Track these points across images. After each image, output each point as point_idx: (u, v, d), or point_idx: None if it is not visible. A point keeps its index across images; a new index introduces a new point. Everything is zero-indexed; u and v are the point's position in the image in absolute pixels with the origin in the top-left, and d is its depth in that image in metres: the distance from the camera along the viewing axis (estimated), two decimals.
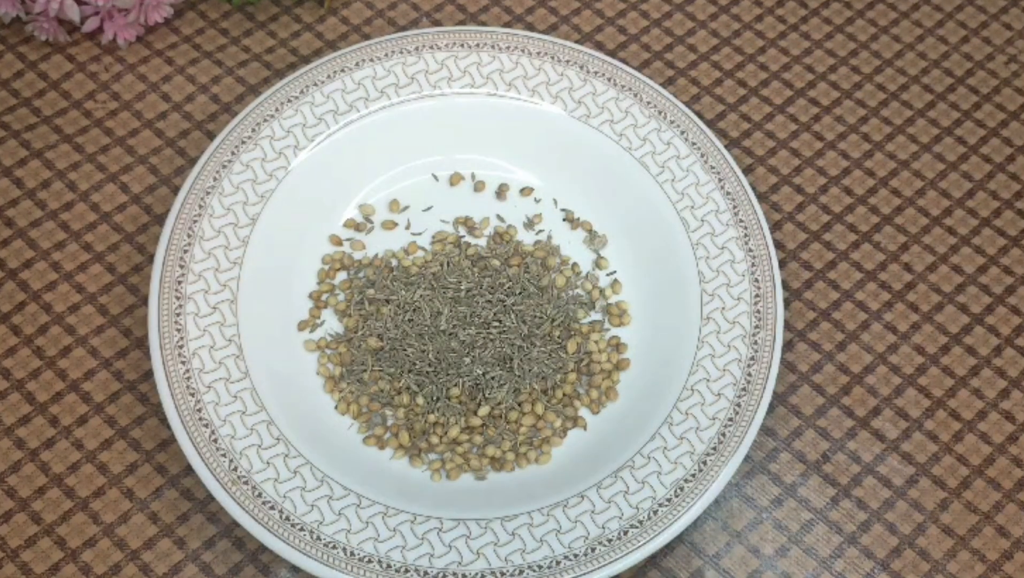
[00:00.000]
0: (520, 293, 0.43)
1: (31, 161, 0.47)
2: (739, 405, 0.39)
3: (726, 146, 0.48)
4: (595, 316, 0.44)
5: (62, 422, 0.41)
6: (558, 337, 0.43)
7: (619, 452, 0.40)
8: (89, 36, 0.49)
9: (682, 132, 0.45)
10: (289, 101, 0.45)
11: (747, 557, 0.40)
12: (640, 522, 0.37)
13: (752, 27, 0.52)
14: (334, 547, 0.37)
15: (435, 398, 0.41)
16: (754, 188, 0.47)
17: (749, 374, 0.40)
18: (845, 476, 0.41)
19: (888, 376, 0.44)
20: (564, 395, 0.42)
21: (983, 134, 0.49)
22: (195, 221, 0.42)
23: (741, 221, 0.43)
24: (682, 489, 0.38)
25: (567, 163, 0.46)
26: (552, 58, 0.46)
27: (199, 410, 0.39)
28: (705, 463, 0.38)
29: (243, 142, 0.44)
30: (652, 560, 0.40)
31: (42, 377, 0.42)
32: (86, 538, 0.39)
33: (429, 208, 0.46)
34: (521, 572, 0.37)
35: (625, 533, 0.37)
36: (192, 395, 0.39)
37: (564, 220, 0.46)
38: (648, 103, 0.45)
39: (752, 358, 0.40)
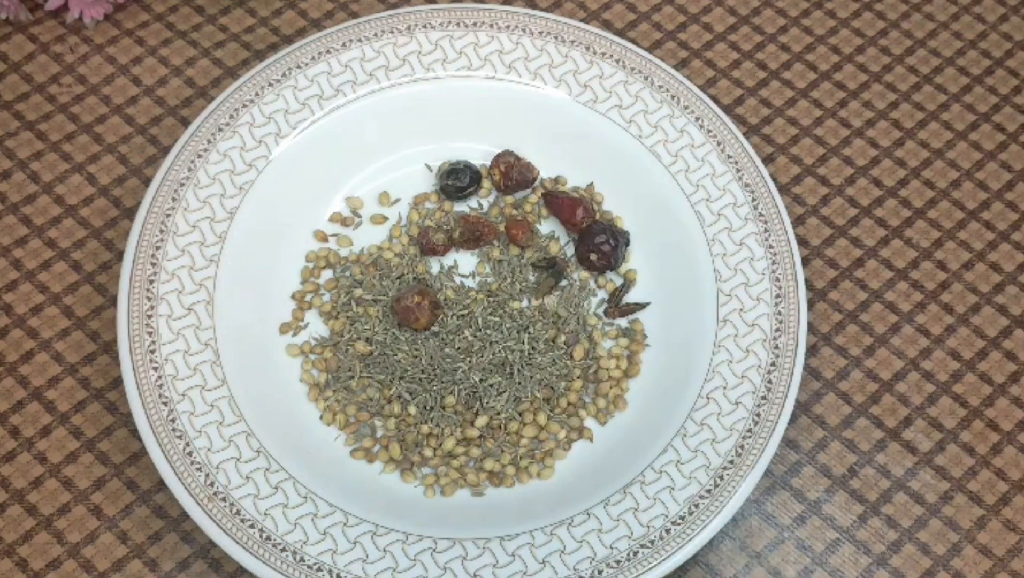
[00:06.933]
0: (522, 293, 0.43)
1: None
2: (759, 415, 0.39)
3: (744, 134, 0.48)
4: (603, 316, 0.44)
5: (23, 433, 0.41)
6: (563, 342, 0.42)
7: (628, 466, 0.39)
8: (53, 14, 0.49)
9: (697, 118, 0.44)
10: (270, 85, 0.44)
11: None
12: (651, 542, 0.37)
13: (773, 4, 0.51)
14: (319, 569, 0.36)
15: (428, 407, 0.41)
16: (775, 179, 0.47)
17: (769, 381, 0.39)
18: (874, 492, 0.41)
19: (920, 383, 0.43)
20: (568, 404, 0.41)
21: (1023, 120, 0.49)
22: (168, 215, 0.42)
23: (761, 215, 0.43)
24: (697, 506, 0.38)
25: (572, 152, 0.45)
26: (555, 38, 0.45)
27: (172, 420, 0.38)
28: (722, 478, 0.38)
29: (220, 129, 0.43)
30: None
31: (1, 385, 0.42)
32: (50, 559, 0.39)
33: None
34: None
35: (635, 554, 0.37)
36: (165, 404, 0.38)
37: None
38: (660, 87, 0.45)
39: (773, 364, 0.40)
